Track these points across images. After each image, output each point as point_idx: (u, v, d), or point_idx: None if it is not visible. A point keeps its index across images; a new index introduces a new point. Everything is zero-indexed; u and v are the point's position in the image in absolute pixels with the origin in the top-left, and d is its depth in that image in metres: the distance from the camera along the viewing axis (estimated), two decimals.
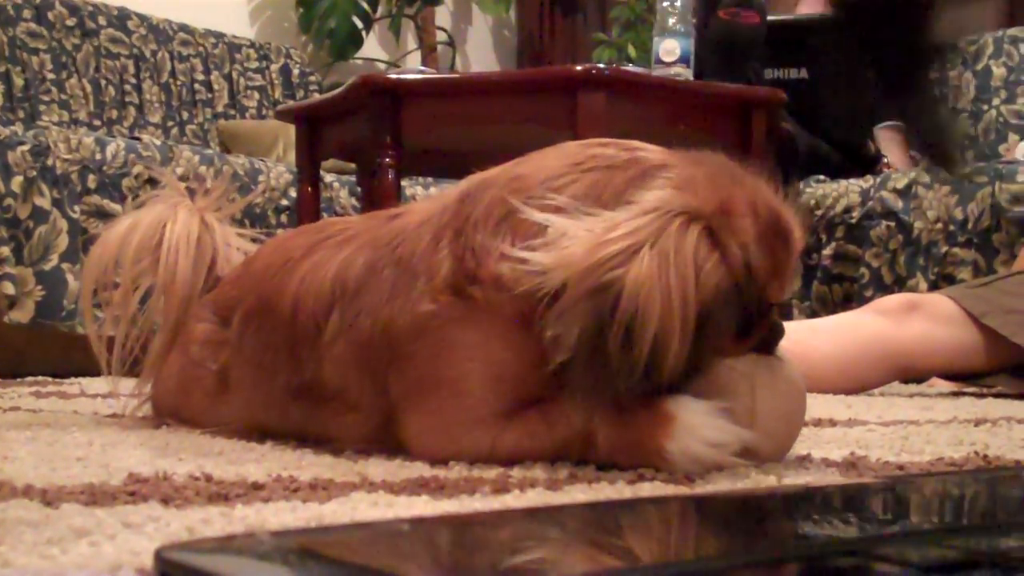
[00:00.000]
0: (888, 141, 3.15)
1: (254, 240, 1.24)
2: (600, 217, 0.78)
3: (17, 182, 2.43)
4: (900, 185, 2.69)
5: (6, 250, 2.39)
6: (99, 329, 1.18)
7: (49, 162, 2.49)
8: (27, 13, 3.35)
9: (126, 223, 1.17)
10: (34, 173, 2.46)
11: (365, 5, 4.30)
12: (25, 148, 2.47)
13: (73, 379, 2.14)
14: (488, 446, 0.83)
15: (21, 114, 3.23)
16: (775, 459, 0.83)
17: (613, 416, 0.79)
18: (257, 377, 1.01)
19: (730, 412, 0.80)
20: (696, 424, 0.77)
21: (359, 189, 2.94)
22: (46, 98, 3.32)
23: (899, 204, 2.67)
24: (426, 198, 2.68)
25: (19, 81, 3.27)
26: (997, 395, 1.85)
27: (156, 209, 1.18)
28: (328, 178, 2.98)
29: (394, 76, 2.36)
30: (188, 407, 1.10)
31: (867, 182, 2.77)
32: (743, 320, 0.81)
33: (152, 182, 2.61)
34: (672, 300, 0.74)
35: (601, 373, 0.76)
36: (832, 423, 1.21)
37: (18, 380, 2.11)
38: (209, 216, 1.19)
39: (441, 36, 4.63)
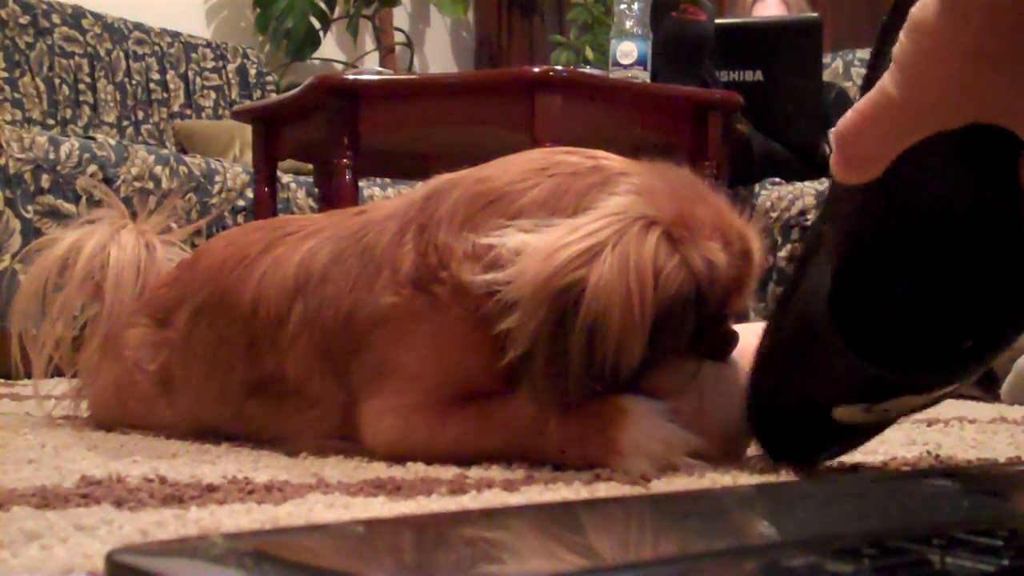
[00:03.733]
0: None
1: None
2: (561, 225, 0.79)
3: None
4: None
5: None
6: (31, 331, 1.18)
7: (2, 161, 2.46)
8: None
9: (66, 243, 1.16)
10: None
11: (322, 5, 4.28)
12: None
13: (26, 381, 2.11)
14: (438, 429, 0.84)
15: None
16: (722, 460, 0.84)
17: (566, 409, 0.80)
18: (209, 374, 1.00)
19: (680, 413, 0.81)
20: (648, 421, 0.78)
21: (316, 190, 2.93)
22: None
23: None
24: (396, 196, 2.67)
25: None
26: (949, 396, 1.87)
27: (99, 232, 1.17)
28: (285, 179, 2.96)
29: (351, 77, 2.35)
30: (126, 415, 1.10)
31: (822, 184, 2.79)
32: (700, 326, 0.82)
33: (107, 182, 2.59)
34: (632, 300, 0.75)
35: (560, 369, 0.77)
36: None
37: None
38: (152, 238, 1.19)
39: (399, 37, 4.62)
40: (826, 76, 3.27)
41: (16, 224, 2.45)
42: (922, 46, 0.55)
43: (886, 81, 0.57)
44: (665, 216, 0.79)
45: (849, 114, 0.60)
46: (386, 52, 4.52)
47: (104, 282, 1.15)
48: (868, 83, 0.59)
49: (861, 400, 0.74)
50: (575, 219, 0.79)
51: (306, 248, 0.94)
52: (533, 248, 0.78)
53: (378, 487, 0.70)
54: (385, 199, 3.15)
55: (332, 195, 2.35)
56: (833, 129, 0.61)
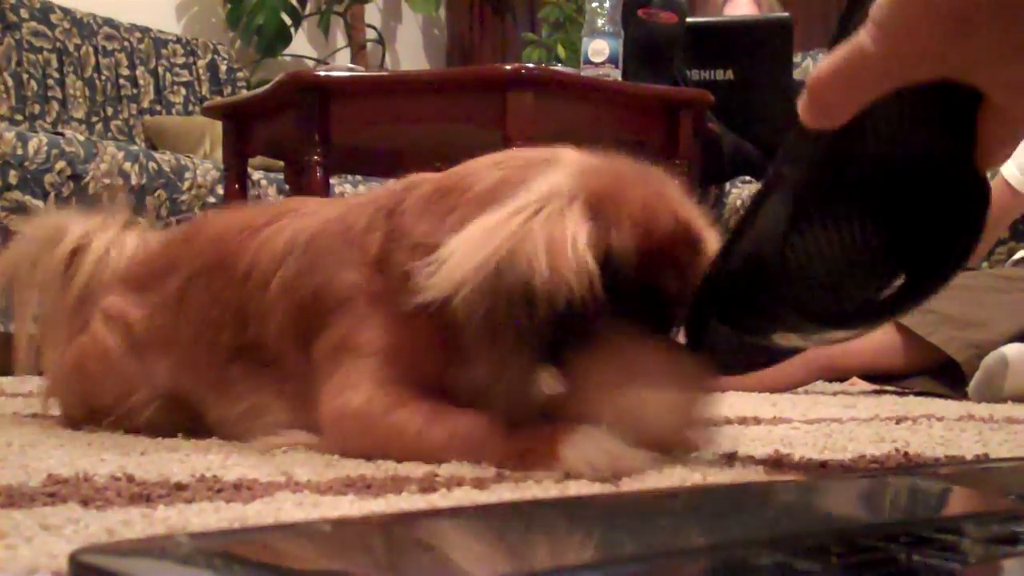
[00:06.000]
0: None
1: None
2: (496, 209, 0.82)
3: None
4: None
5: None
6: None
7: None
8: None
9: (74, 238, 1.18)
10: None
11: (294, 2, 4.27)
12: None
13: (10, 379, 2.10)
14: (383, 416, 0.86)
15: None
16: (665, 447, 0.85)
17: (511, 425, 0.81)
18: (198, 334, 1.03)
19: (618, 408, 0.81)
20: (593, 439, 0.78)
21: (287, 187, 2.92)
22: None
23: None
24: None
25: None
26: (918, 394, 1.88)
27: (108, 231, 1.20)
28: (256, 175, 2.95)
29: (323, 74, 2.34)
30: (84, 381, 1.10)
31: None
32: (640, 308, 0.83)
33: (76, 178, 2.57)
34: (560, 263, 0.77)
35: (504, 343, 0.79)
36: (757, 421, 1.23)
37: None
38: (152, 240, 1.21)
39: (370, 34, 4.61)
40: (797, 75, 3.28)
41: None
42: (902, 6, 0.59)
43: (862, 36, 0.61)
44: (592, 189, 0.81)
45: (823, 63, 0.64)
46: (357, 49, 4.50)
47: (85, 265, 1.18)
48: (835, 42, 0.63)
49: (801, 331, 0.77)
50: (511, 202, 0.82)
51: (300, 223, 0.98)
52: (464, 233, 0.81)
53: (348, 485, 0.70)
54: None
55: (303, 192, 2.34)
56: (807, 76, 0.64)
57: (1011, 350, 1.76)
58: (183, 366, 1.04)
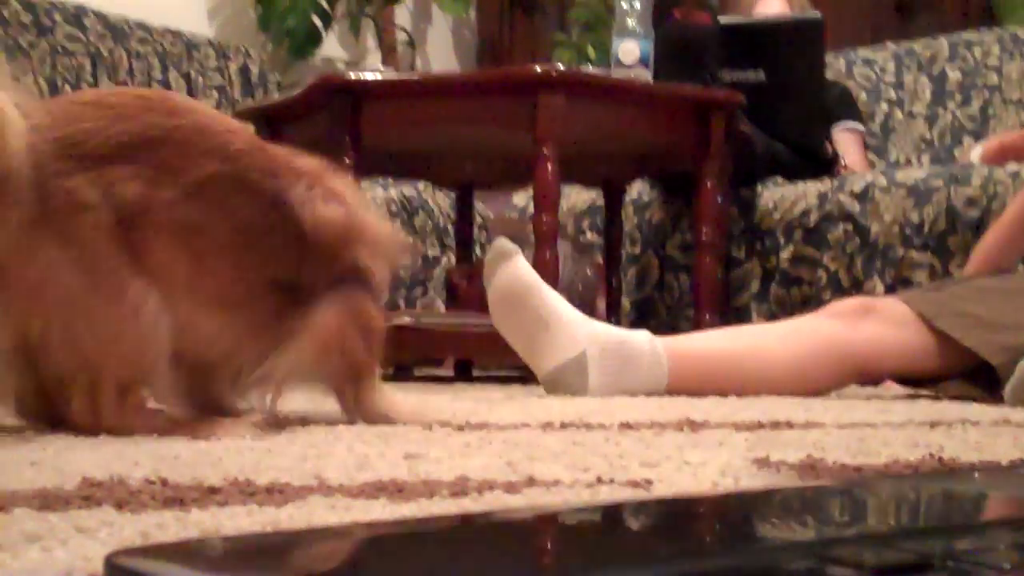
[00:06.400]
0: (846, 142, 3.17)
1: None
2: None
3: None
4: (857, 188, 2.71)
5: None
6: None
7: None
8: None
9: None
10: None
11: (324, 4, 4.28)
12: None
13: None
14: None
15: None
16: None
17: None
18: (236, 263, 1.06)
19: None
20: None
21: None
22: None
23: (856, 207, 2.69)
24: (397, 196, 2.68)
25: None
26: (953, 398, 1.87)
27: None
28: None
29: (354, 76, 2.35)
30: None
31: (825, 185, 2.78)
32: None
33: None
34: None
35: None
36: (789, 425, 1.22)
37: None
38: None
39: (401, 36, 4.62)
40: (828, 75, 3.27)
41: None
42: None
43: None
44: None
45: None
46: (388, 51, 4.51)
47: None
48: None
49: None
50: None
51: None
52: None
53: (379, 489, 0.70)
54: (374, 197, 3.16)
55: None
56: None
57: None
58: (219, 293, 1.07)
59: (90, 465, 0.81)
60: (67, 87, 3.43)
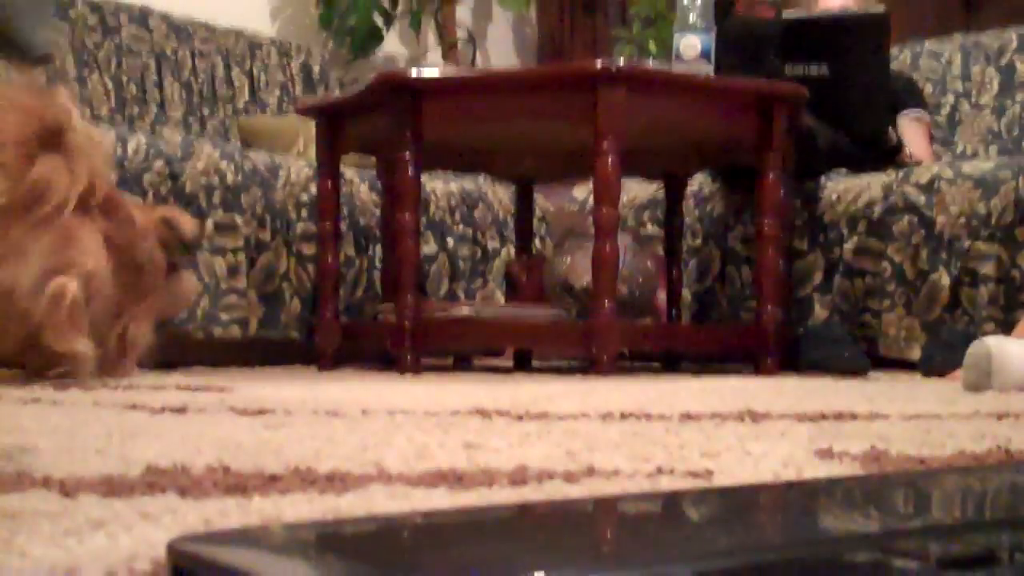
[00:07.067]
0: (911, 131, 3.13)
1: None
2: None
3: None
4: (923, 180, 2.67)
5: None
6: None
7: None
8: (50, 11, 3.36)
9: None
10: None
11: (385, 2, 4.30)
12: None
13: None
14: None
15: None
16: None
17: None
18: None
19: None
20: None
21: (379, 184, 2.94)
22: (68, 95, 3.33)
23: (922, 199, 2.65)
24: (457, 191, 2.70)
25: (41, 78, 3.29)
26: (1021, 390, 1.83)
27: None
28: (348, 173, 2.98)
29: (414, 73, 2.36)
30: None
31: (889, 176, 2.75)
32: None
33: (173, 178, 2.62)
34: None
35: None
36: (853, 417, 1.21)
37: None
38: None
39: (461, 33, 4.63)
40: (893, 67, 3.23)
41: None
42: None
43: None
44: None
45: None
46: (448, 48, 4.53)
47: None
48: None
49: None
50: None
51: None
52: None
53: (439, 478, 0.70)
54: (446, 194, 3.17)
55: (394, 189, 2.37)
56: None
57: None
58: None
59: (154, 452, 0.82)
60: (132, 87, 3.47)
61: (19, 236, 1.42)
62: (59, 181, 1.55)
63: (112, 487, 0.65)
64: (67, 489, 0.63)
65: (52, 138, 1.61)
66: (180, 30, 3.66)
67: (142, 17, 3.57)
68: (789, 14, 2.80)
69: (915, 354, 2.58)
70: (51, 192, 1.52)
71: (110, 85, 3.43)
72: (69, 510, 0.58)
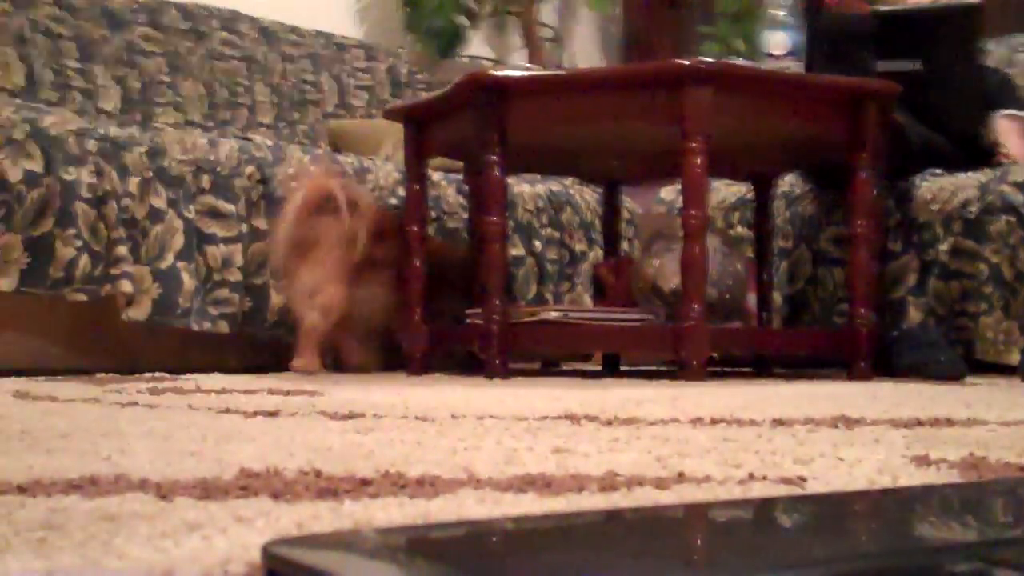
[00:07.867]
0: (1007, 130, 3.06)
1: None
2: None
3: (134, 183, 2.50)
4: (1020, 179, 2.61)
5: (124, 249, 2.45)
6: None
7: (164, 163, 2.55)
8: (141, 17, 3.44)
9: None
10: (150, 174, 2.52)
11: (470, 3, 4.32)
12: (142, 150, 2.53)
13: (188, 375, 2.18)
14: None
15: (137, 116, 3.31)
16: None
17: None
18: None
19: None
20: None
21: (466, 187, 2.95)
22: (160, 100, 3.40)
23: (1019, 198, 2.59)
24: (544, 192, 2.75)
25: (135, 84, 3.36)
26: None
27: None
28: (435, 176, 2.99)
29: (499, 73, 2.36)
30: None
31: (985, 175, 2.69)
32: None
33: (264, 182, 2.65)
34: None
35: None
36: (950, 423, 1.18)
37: (135, 376, 2.16)
38: None
39: (546, 33, 4.63)
40: (989, 62, 3.16)
41: (179, 224, 2.53)
42: None
43: None
44: None
45: None
46: (534, 48, 4.53)
47: None
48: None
49: None
50: None
51: None
52: None
53: (528, 483, 0.70)
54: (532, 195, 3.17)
55: (481, 191, 2.37)
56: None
57: None
58: None
59: (247, 456, 0.83)
60: (223, 91, 3.53)
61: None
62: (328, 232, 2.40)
63: (207, 490, 0.65)
64: (163, 492, 0.65)
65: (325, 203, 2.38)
66: (269, 34, 3.71)
67: (232, 21, 3.63)
68: (880, 8, 2.75)
69: (1014, 358, 2.52)
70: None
71: (202, 90, 3.49)
72: (165, 512, 0.58)
